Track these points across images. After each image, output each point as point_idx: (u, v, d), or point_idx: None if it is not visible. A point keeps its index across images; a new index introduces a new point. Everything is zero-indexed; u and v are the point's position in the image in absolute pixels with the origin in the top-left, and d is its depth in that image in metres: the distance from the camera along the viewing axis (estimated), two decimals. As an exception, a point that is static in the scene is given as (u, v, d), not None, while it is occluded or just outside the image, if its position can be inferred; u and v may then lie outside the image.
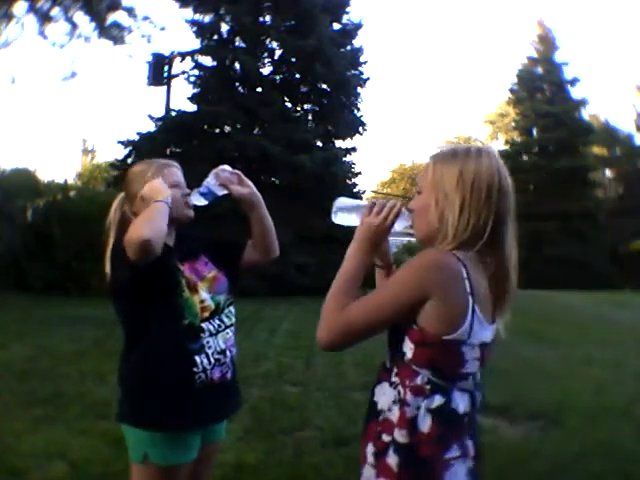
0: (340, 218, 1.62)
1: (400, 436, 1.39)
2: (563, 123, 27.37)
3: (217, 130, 16.64)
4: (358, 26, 17.70)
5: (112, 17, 14.55)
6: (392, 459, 1.40)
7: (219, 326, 2.02)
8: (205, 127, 16.41)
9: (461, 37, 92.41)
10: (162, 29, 17.53)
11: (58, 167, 68.51)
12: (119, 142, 16.09)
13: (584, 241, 25.65)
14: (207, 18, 17.01)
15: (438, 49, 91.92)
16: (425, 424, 1.39)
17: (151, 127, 16.48)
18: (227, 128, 16.64)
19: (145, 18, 14.87)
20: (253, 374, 5.71)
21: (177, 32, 54.17)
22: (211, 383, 1.95)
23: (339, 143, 17.49)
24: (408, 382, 1.42)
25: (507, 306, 1.52)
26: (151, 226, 1.80)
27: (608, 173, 31.88)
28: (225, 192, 2.13)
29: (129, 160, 15.97)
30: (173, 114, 16.93)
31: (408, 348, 1.42)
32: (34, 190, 15.83)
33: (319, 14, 16.02)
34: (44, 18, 13.99)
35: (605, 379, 6.29)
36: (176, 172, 2.12)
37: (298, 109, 17.50)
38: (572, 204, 25.76)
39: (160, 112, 17.27)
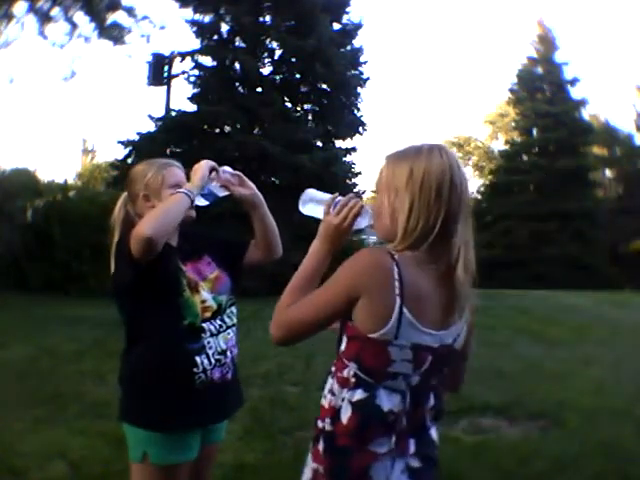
0: (308, 209, 1.64)
1: (326, 424, 1.44)
2: (563, 123, 27.35)
3: (217, 130, 16.64)
4: (358, 26, 17.70)
5: (112, 17, 14.56)
6: (321, 445, 1.44)
7: (220, 326, 2.02)
8: (205, 127, 16.41)
9: (461, 37, 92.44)
10: (162, 28, 17.48)
11: (58, 167, 68.47)
12: (119, 142, 16.08)
13: (584, 241, 25.63)
14: (207, 18, 17.01)
15: (438, 49, 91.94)
16: (345, 415, 1.42)
17: (151, 127, 16.48)
18: (227, 128, 16.63)
19: (145, 18, 14.88)
20: (253, 374, 5.71)
21: (177, 32, 54.21)
22: (211, 383, 1.95)
23: (339, 143, 17.49)
24: (338, 373, 1.46)
25: (458, 309, 1.47)
26: (159, 223, 1.80)
27: (608, 173, 31.88)
28: (226, 193, 2.13)
29: (129, 160, 15.96)
30: (173, 114, 16.92)
31: (344, 341, 1.46)
32: (34, 190, 15.82)
33: (319, 14, 16.01)
34: (44, 18, 14.00)
35: (605, 379, 6.29)
36: (177, 172, 2.12)
37: (298, 109, 17.50)
38: (572, 204, 25.75)
39: (160, 112, 17.29)
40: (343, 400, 1.43)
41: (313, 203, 1.64)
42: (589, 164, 28.53)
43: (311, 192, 1.67)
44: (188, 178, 2.07)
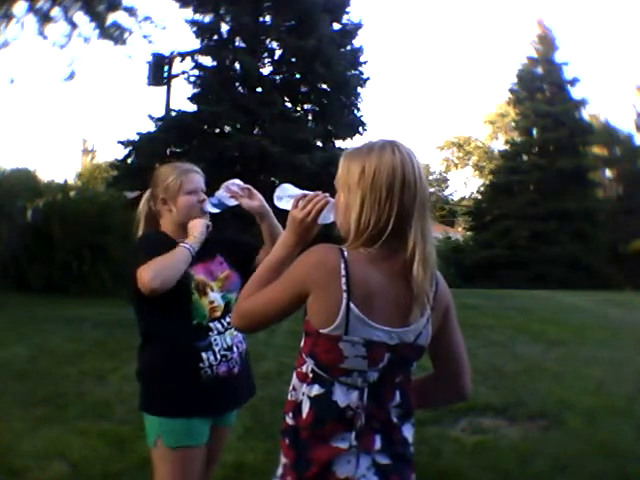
0: (282, 204, 1.68)
1: (289, 418, 1.47)
2: (563, 123, 27.36)
3: (217, 130, 16.66)
4: (358, 26, 17.72)
5: (112, 17, 14.55)
6: (286, 439, 1.47)
7: (228, 324, 2.16)
8: (205, 127, 16.43)
9: (461, 37, 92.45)
10: (163, 29, 17.47)
11: (58, 167, 68.49)
12: (119, 142, 16.11)
13: (584, 241, 25.63)
14: (207, 18, 17.03)
15: (438, 49, 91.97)
16: (305, 410, 1.44)
17: (151, 127, 16.53)
18: (227, 128, 16.66)
19: (145, 18, 14.85)
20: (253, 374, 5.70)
21: (177, 32, 54.19)
22: (216, 377, 2.10)
23: (339, 143, 17.51)
24: (298, 368, 1.48)
25: (418, 306, 1.45)
26: (162, 275, 1.97)
27: (608, 173, 31.85)
28: (235, 203, 2.27)
29: (129, 160, 15.98)
30: (173, 114, 16.94)
31: (302, 337, 1.49)
32: (34, 190, 15.80)
33: (319, 14, 16.03)
34: (44, 18, 13.97)
35: (605, 379, 6.29)
36: (196, 179, 2.28)
37: (298, 109, 17.52)
38: (572, 204, 25.76)
39: (160, 112, 17.32)
40: (303, 395, 1.45)
41: (287, 198, 1.68)
42: (589, 164, 28.52)
43: (286, 187, 1.72)
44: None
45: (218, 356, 2.11)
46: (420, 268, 1.43)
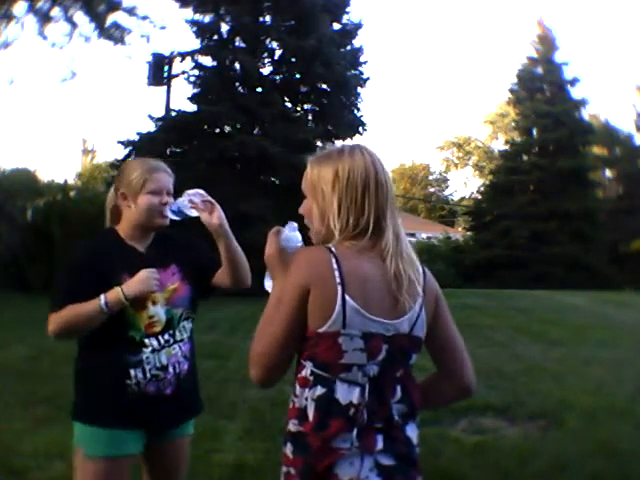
0: (266, 284, 1.63)
1: (292, 425, 1.48)
2: (563, 123, 27.32)
3: (217, 130, 16.64)
4: (358, 26, 17.70)
5: (112, 17, 14.55)
6: (288, 447, 1.48)
7: (167, 341, 2.06)
8: (205, 127, 16.40)
9: (461, 37, 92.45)
10: (162, 28, 17.46)
11: (58, 167, 68.58)
12: (119, 142, 16.09)
13: (584, 241, 25.60)
14: (207, 18, 17.00)
15: (438, 49, 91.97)
16: (310, 413, 1.44)
17: (151, 127, 16.48)
18: (227, 128, 16.63)
19: (145, 17, 14.86)
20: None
21: (177, 32, 54.17)
22: (144, 395, 2.02)
23: (339, 143, 17.48)
24: (298, 375, 1.49)
25: (405, 296, 1.46)
26: (63, 332, 2.00)
27: (608, 173, 31.83)
28: (196, 214, 2.12)
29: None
30: (173, 114, 16.92)
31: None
32: (34, 190, 15.82)
33: (319, 14, 16.01)
34: (44, 18, 13.98)
35: (605, 379, 6.29)
36: (162, 178, 2.12)
37: (298, 109, 17.50)
38: (572, 204, 25.72)
39: (160, 112, 17.30)
40: (307, 399, 1.46)
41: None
42: (589, 164, 28.49)
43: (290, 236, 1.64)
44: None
45: (148, 375, 2.01)
46: (400, 262, 1.47)
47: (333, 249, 1.45)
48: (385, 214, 1.49)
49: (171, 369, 2.06)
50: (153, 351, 2.03)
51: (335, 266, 1.41)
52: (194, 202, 2.10)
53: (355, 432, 1.41)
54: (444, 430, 4.42)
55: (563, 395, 5.44)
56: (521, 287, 20.31)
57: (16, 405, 4.69)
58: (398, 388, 1.48)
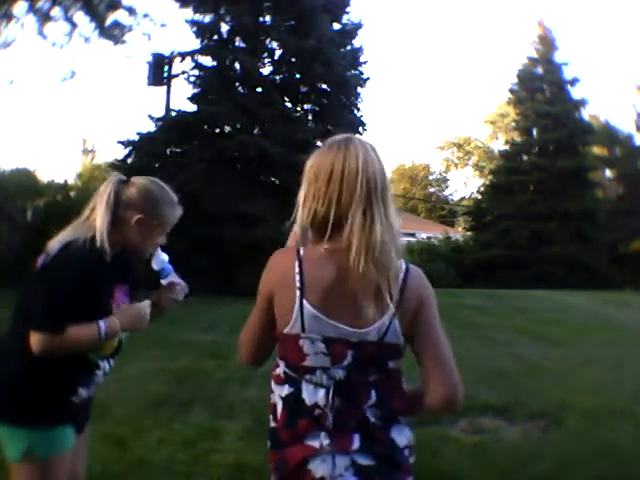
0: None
1: (270, 420, 1.52)
2: (563, 123, 27.31)
3: (217, 130, 16.63)
4: (358, 26, 17.71)
5: (112, 16, 14.54)
6: (268, 443, 1.53)
7: (111, 368, 2.08)
8: (205, 127, 16.40)
9: (461, 37, 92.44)
10: (162, 26, 17.44)
11: (58, 167, 68.54)
12: (119, 142, 16.07)
13: (584, 241, 25.60)
14: (207, 18, 17.01)
15: (438, 49, 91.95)
16: (279, 411, 1.48)
17: (151, 127, 16.49)
18: (227, 128, 16.63)
19: (145, 16, 14.85)
20: (253, 374, 5.69)
21: (177, 32, 54.04)
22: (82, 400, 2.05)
23: (339, 143, 17.48)
24: (273, 372, 1.52)
25: (366, 300, 1.40)
26: (58, 352, 1.86)
27: (608, 173, 31.82)
28: (165, 277, 2.20)
29: (129, 160, 15.95)
30: (173, 114, 16.92)
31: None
32: (34, 190, 15.81)
33: (319, 14, 16.01)
34: (44, 18, 13.98)
35: (605, 379, 6.29)
36: (177, 217, 2.10)
37: (298, 109, 17.50)
38: (572, 204, 25.72)
39: (160, 112, 17.30)
40: (278, 396, 1.49)
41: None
42: (589, 164, 28.48)
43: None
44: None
45: (92, 391, 2.06)
46: (360, 259, 1.40)
47: (301, 252, 1.46)
48: (348, 207, 1.42)
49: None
50: (104, 374, 2.05)
51: (297, 270, 1.43)
52: (174, 282, 2.20)
53: (324, 432, 1.42)
54: (444, 430, 4.42)
55: (563, 395, 5.44)
56: (521, 287, 20.31)
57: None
58: (373, 392, 1.45)
